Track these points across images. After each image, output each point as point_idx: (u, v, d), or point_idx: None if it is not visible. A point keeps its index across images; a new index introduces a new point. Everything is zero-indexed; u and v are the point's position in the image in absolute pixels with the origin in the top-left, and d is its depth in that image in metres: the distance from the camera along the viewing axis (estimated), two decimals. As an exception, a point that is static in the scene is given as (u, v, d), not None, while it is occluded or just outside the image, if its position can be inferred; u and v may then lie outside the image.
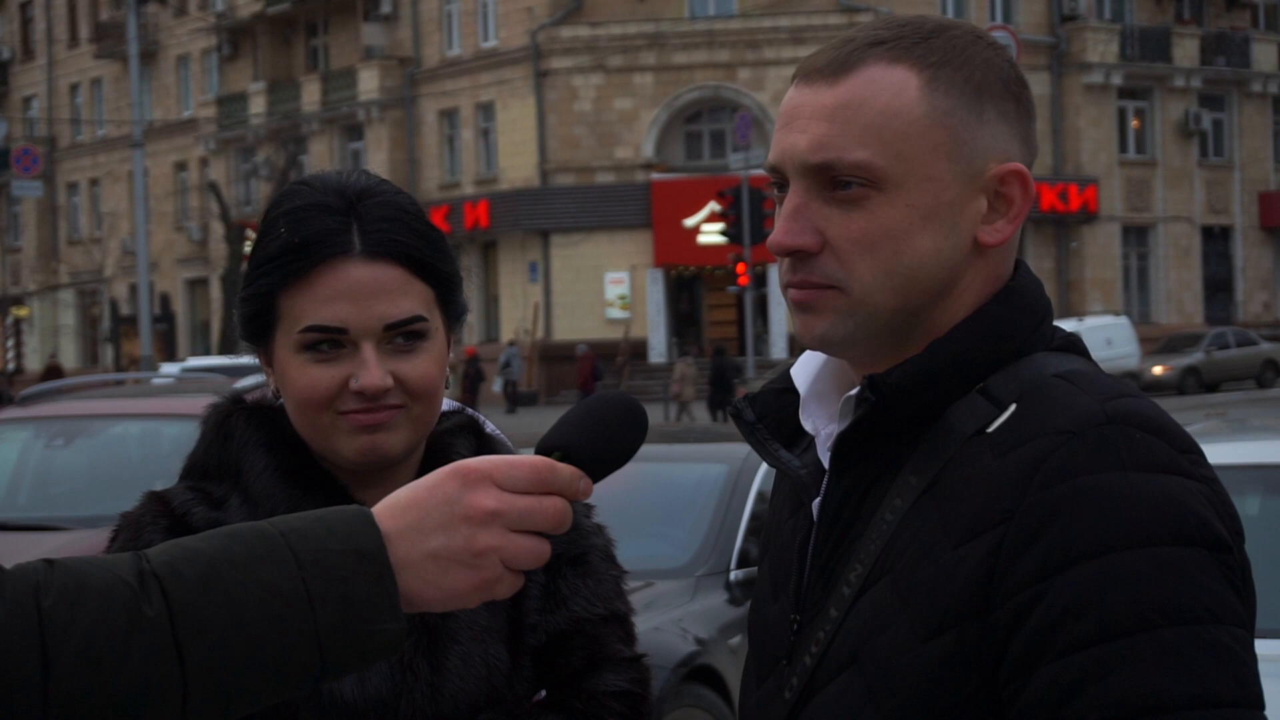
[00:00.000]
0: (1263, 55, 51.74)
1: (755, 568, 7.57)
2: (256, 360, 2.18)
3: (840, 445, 1.76)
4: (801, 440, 1.88)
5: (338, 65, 53.16)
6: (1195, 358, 41.45)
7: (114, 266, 59.90)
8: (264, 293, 2.10)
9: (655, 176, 44.98)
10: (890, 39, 1.75)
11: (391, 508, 1.52)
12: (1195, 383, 40.72)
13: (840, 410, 1.78)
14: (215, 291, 53.70)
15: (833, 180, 1.73)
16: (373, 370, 2.06)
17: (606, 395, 1.64)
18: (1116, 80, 48.86)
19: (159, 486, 2.23)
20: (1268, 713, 1.63)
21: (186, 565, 1.46)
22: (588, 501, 2.26)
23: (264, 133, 53.54)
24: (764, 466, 7.76)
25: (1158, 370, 40.59)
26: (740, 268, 34.83)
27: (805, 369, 1.87)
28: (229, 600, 1.44)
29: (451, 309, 2.17)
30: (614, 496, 2.37)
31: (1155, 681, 1.54)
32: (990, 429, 1.68)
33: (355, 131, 52.05)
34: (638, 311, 45.02)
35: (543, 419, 31.59)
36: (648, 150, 45.44)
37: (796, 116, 1.75)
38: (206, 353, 53.61)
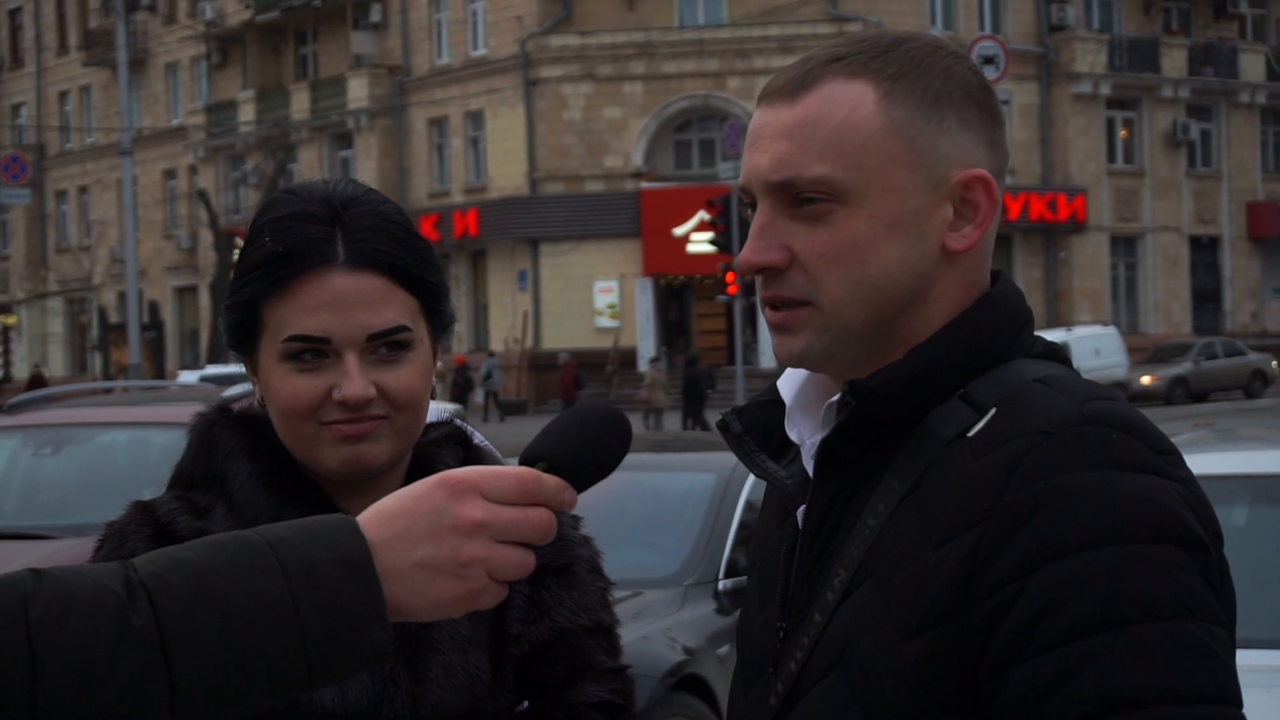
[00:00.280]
0: (1250, 66, 51.86)
1: (743, 577, 7.59)
2: None
3: (823, 451, 1.78)
4: (788, 452, 1.90)
5: (327, 73, 53.16)
6: (1183, 368, 41.50)
7: (103, 274, 59.84)
8: (248, 301, 2.09)
9: (644, 185, 45.01)
10: (848, 55, 1.77)
11: (378, 517, 1.52)
12: (1183, 393, 40.77)
13: (823, 417, 1.80)
14: (204, 299, 53.68)
15: (796, 197, 1.75)
16: (355, 380, 2.05)
17: (590, 406, 1.65)
18: (1105, 90, 48.95)
19: (147, 495, 2.23)
20: (1262, 722, 1.64)
21: (174, 575, 1.46)
22: (575, 513, 2.27)
23: (253, 141, 53.53)
24: (752, 476, 7.77)
25: (1146, 380, 40.64)
26: (730, 277, 34.84)
27: (791, 381, 1.89)
28: (216, 609, 1.44)
29: (437, 319, 2.16)
30: (602, 505, 2.36)
31: (1131, 677, 1.55)
32: (970, 433, 1.70)
33: (344, 140, 52.05)
34: (627, 320, 45.04)
35: (532, 427, 31.60)
36: (637, 159, 45.47)
37: (760, 137, 1.78)
38: (196, 361, 53.58)
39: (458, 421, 2.29)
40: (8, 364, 62.52)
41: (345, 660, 1.48)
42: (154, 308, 57.02)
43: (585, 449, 1.60)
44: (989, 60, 28.07)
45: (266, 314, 2.09)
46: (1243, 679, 1.67)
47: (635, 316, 45.10)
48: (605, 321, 45.14)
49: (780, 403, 1.89)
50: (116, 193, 54.47)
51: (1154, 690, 1.55)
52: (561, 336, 44.60)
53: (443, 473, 1.54)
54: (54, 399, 11.98)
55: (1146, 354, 43.22)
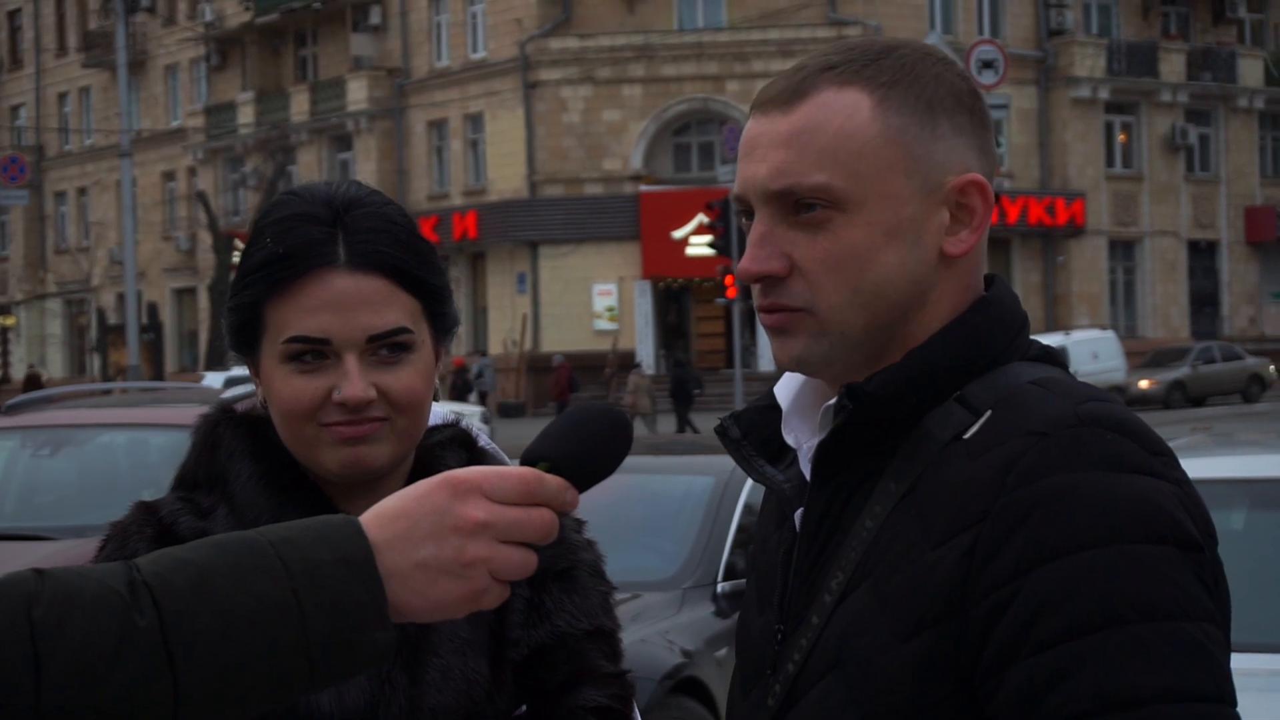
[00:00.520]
0: (1249, 70, 51.87)
1: (742, 580, 7.58)
2: None
3: (820, 455, 1.79)
4: (786, 456, 1.91)
5: (326, 75, 53.15)
6: (1181, 372, 41.51)
7: (101, 276, 59.82)
8: (250, 303, 2.09)
9: (644, 188, 45.01)
10: (840, 63, 1.79)
11: (380, 517, 1.52)
12: (1181, 397, 40.78)
13: (820, 420, 1.82)
14: (203, 301, 53.66)
15: (795, 205, 1.76)
16: (355, 382, 2.05)
17: (591, 406, 1.65)
18: (1103, 95, 48.96)
19: (147, 496, 2.23)
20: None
21: (177, 575, 1.46)
22: (578, 516, 2.25)
23: (252, 143, 53.52)
24: (751, 479, 7.77)
25: (1144, 384, 40.64)
26: (728, 280, 34.85)
27: (788, 387, 1.90)
28: (219, 610, 1.45)
29: (440, 321, 2.16)
30: (601, 508, 2.36)
31: (1127, 676, 1.56)
32: (966, 435, 1.71)
33: (344, 142, 52.04)
34: (626, 323, 45.03)
35: (530, 429, 31.59)
36: (636, 162, 45.47)
37: (756, 146, 1.79)
38: (194, 363, 53.56)
39: (463, 423, 2.28)
40: (6, 365, 62.49)
41: (348, 661, 1.48)
42: (153, 309, 56.99)
43: (586, 449, 1.60)
44: (988, 64, 28.06)
45: (268, 315, 2.09)
46: (1241, 683, 1.68)
47: (634, 319, 45.09)
48: (604, 324, 45.13)
49: (777, 407, 1.90)
50: (115, 194, 54.45)
51: (1150, 689, 1.56)
52: (560, 339, 44.59)
53: (445, 473, 1.54)
54: (53, 400, 11.98)
55: (1144, 358, 43.22)
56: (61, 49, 63.60)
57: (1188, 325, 50.26)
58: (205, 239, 50.98)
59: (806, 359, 1.79)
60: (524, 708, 2.20)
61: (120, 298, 51.99)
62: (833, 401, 1.78)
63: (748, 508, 8.17)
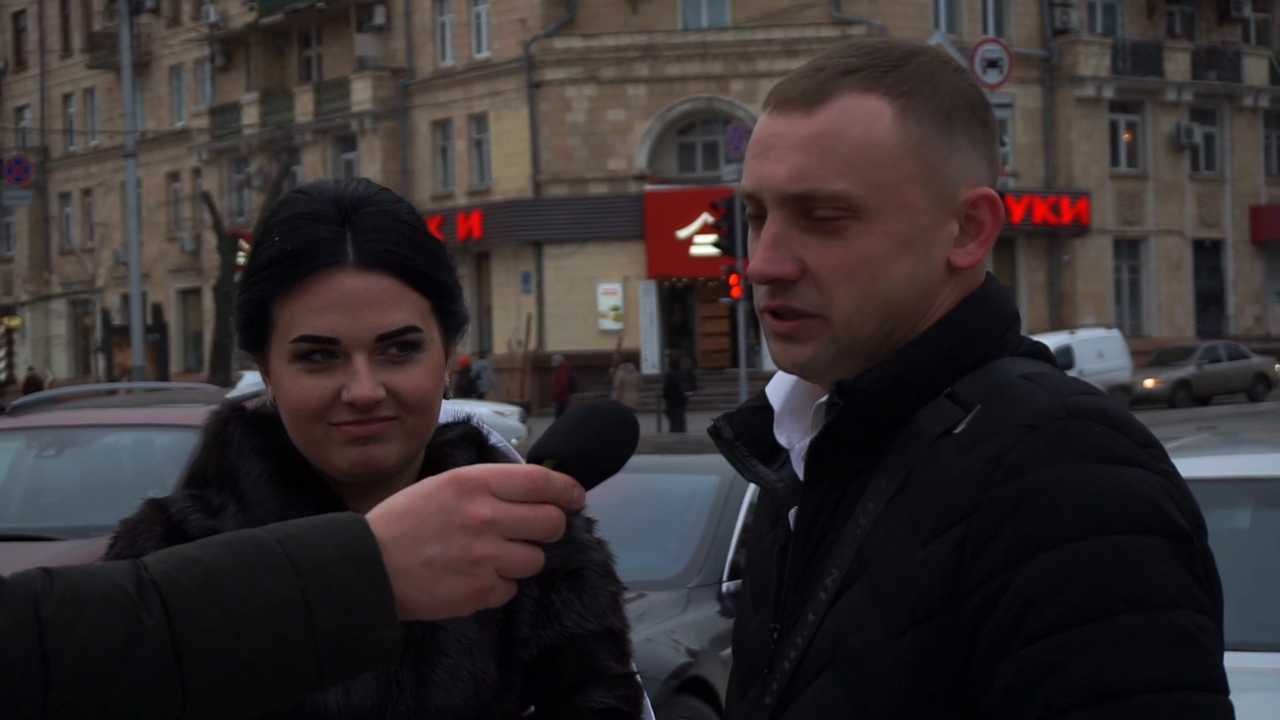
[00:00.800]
0: (1254, 69, 51.83)
1: (747, 579, 7.56)
2: None
3: (813, 453, 1.80)
4: (779, 456, 1.92)
5: (331, 76, 53.16)
6: (1187, 371, 41.48)
7: (106, 277, 59.85)
8: (258, 300, 2.09)
9: (648, 188, 45.00)
10: (861, 67, 1.78)
11: (387, 515, 1.53)
12: (1186, 396, 40.76)
13: (812, 419, 1.82)
14: (208, 302, 53.65)
15: (810, 209, 1.76)
16: (364, 381, 2.04)
17: (597, 403, 1.66)
18: (1108, 94, 48.93)
19: (153, 495, 2.23)
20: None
21: (184, 573, 1.46)
22: (589, 516, 2.26)
23: (257, 143, 53.53)
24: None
25: (1149, 383, 40.62)
26: (733, 279, 34.81)
27: (779, 387, 1.91)
28: (227, 608, 1.45)
29: (450, 319, 2.15)
30: (606, 507, 2.36)
31: (1117, 667, 1.57)
32: (956, 430, 1.72)
33: (348, 142, 52.05)
34: (630, 323, 45.02)
35: (536, 429, 31.57)
36: (640, 161, 45.46)
37: (773, 146, 1.78)
38: (199, 364, 53.57)
39: (474, 421, 2.27)
40: (10, 366, 62.52)
41: (355, 659, 1.48)
42: (157, 310, 57.00)
43: (593, 446, 1.61)
44: (993, 63, 28.04)
45: (276, 314, 2.08)
46: (1247, 681, 1.69)
47: (639, 319, 45.08)
48: (609, 324, 45.12)
49: (770, 408, 1.90)
50: (120, 195, 54.52)
51: (1140, 680, 1.57)
52: (565, 339, 44.59)
53: (452, 470, 1.54)
54: (58, 401, 11.99)
55: (1150, 357, 43.20)
56: (66, 50, 63.62)
57: (1193, 324, 50.23)
58: (210, 240, 50.96)
59: (812, 364, 1.79)
60: (532, 708, 2.19)
61: (125, 298, 52.03)
62: (824, 399, 1.79)
63: (753, 507, 8.15)
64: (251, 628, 1.45)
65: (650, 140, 45.53)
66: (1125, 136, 49.97)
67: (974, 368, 1.77)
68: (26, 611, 1.42)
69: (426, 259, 2.11)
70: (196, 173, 56.94)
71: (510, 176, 46.82)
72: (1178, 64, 50.21)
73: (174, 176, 58.71)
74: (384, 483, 2.10)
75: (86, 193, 62.71)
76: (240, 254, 44.72)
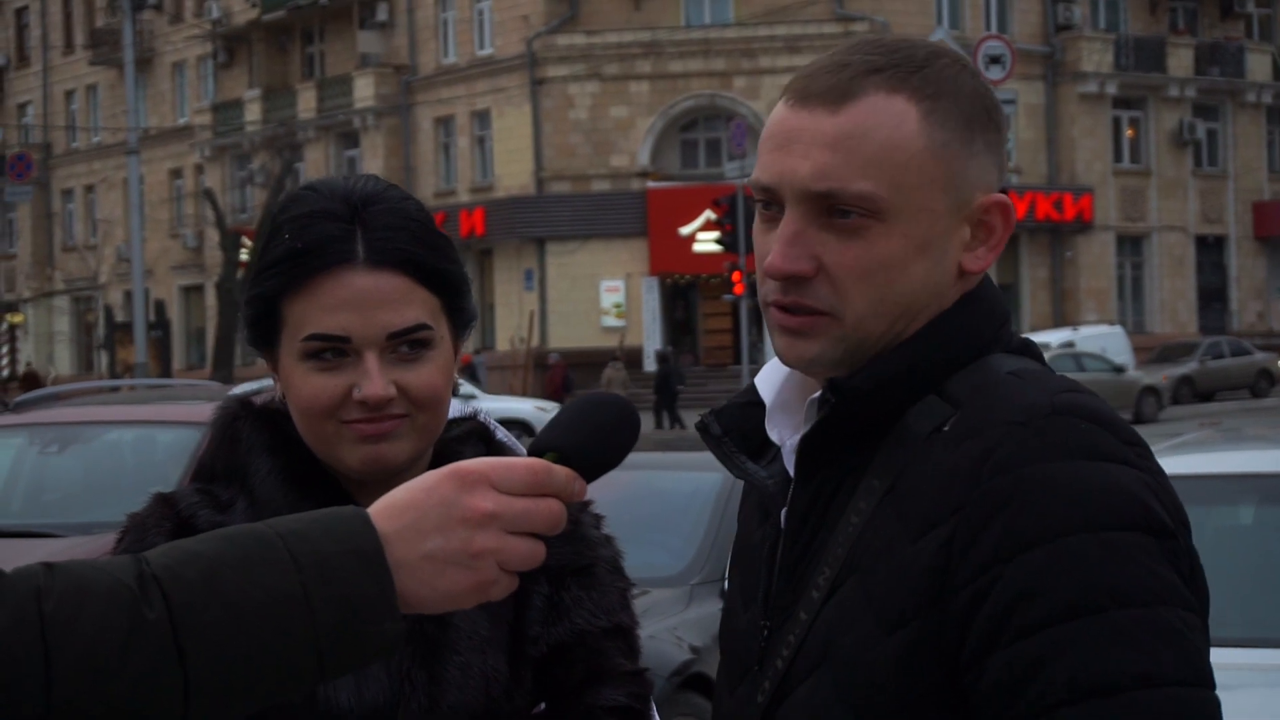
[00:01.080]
0: (1256, 65, 51.80)
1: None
2: None
3: (804, 449, 1.80)
4: (768, 452, 1.91)
5: (333, 73, 53.16)
6: (1189, 367, 41.45)
7: (109, 273, 59.87)
8: (268, 296, 2.09)
9: (651, 185, 44.99)
10: (887, 67, 1.77)
11: (389, 509, 1.53)
12: (1189, 392, 40.73)
13: (805, 415, 1.82)
14: (210, 299, 53.65)
15: (830, 208, 1.75)
16: (375, 380, 2.05)
17: (598, 396, 1.66)
18: (1111, 90, 48.91)
19: (157, 491, 2.23)
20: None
21: (186, 568, 1.46)
22: (597, 512, 2.27)
23: (259, 140, 53.53)
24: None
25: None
26: (736, 276, 34.85)
27: (769, 381, 1.90)
28: (229, 602, 1.45)
29: (458, 316, 2.15)
30: (609, 505, 2.36)
31: (1104, 663, 1.57)
32: (945, 427, 1.72)
33: (351, 139, 52.05)
34: (633, 320, 45.02)
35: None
36: (643, 158, 45.45)
37: (795, 140, 1.77)
38: (201, 361, 53.57)
39: (480, 417, 2.28)
40: (13, 363, 62.55)
41: (356, 653, 1.49)
42: (160, 307, 56.99)
43: (594, 439, 1.61)
44: (995, 60, 28.01)
45: (286, 311, 2.08)
46: (1249, 677, 1.69)
47: (641, 316, 45.08)
48: (611, 321, 45.11)
49: (759, 403, 1.90)
50: (123, 192, 54.53)
51: (1127, 675, 1.58)
52: (567, 336, 44.59)
53: (453, 464, 1.55)
54: (60, 397, 11.99)
55: (1153, 353, 43.17)
56: (68, 46, 63.62)
57: (1196, 320, 50.22)
58: (212, 236, 50.94)
59: (819, 361, 1.79)
60: (542, 705, 2.20)
61: (128, 295, 52.04)
62: (817, 395, 1.79)
63: (755, 504, 8.17)
64: (253, 622, 1.45)
65: (653, 137, 45.52)
66: (1128, 132, 49.94)
67: (965, 365, 1.77)
68: (28, 606, 1.42)
69: (436, 256, 2.11)
70: (199, 169, 56.95)
71: (513, 173, 46.82)
72: (1180, 60, 50.18)
73: (176, 173, 58.72)
74: (394, 480, 2.08)
75: (89, 189, 62.72)
76: (243, 251, 44.75)
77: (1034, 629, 1.60)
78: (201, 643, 1.44)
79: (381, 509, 1.53)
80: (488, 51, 48.18)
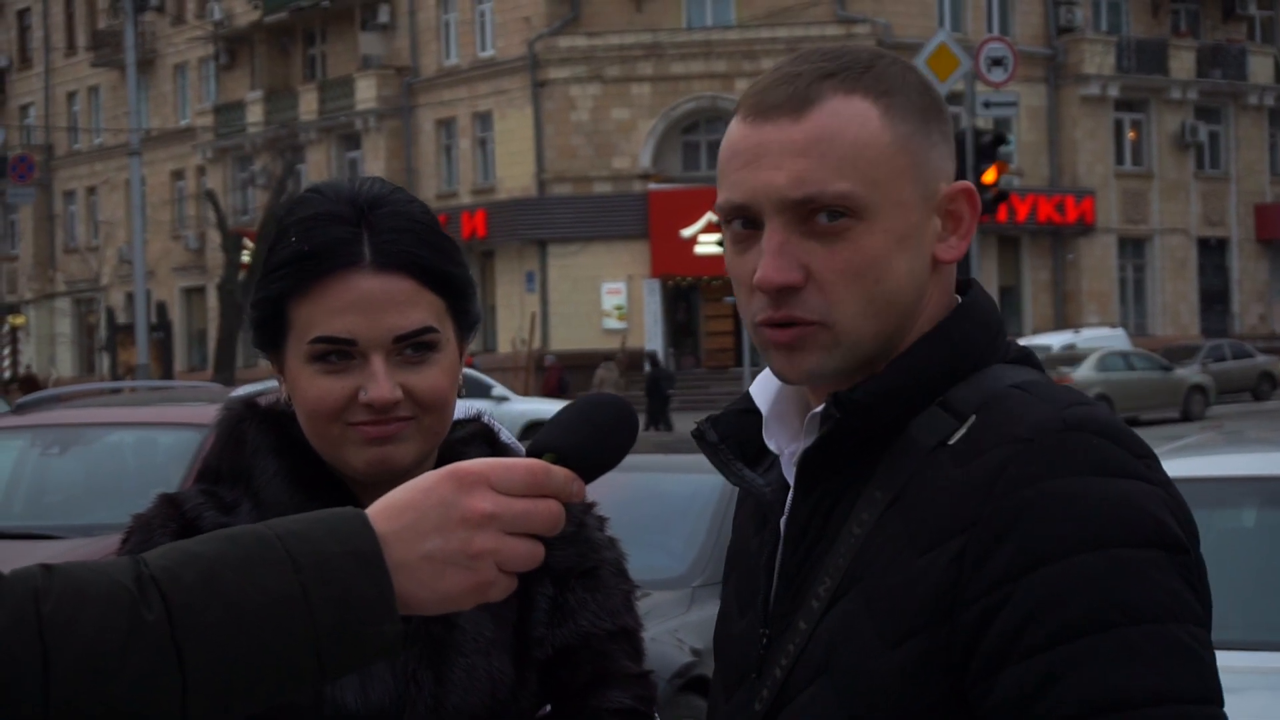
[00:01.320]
0: (1259, 68, 51.81)
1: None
2: None
3: (805, 462, 1.80)
4: (764, 460, 1.92)
5: (335, 74, 53.18)
6: (1191, 370, 41.45)
7: (111, 275, 59.89)
8: (274, 298, 2.10)
9: (652, 187, 45.01)
10: (838, 71, 1.79)
11: (387, 510, 1.53)
12: (1191, 394, 40.69)
13: (805, 427, 1.82)
14: (212, 300, 53.67)
15: (810, 214, 1.75)
16: (382, 383, 2.06)
17: (597, 397, 1.66)
18: (1113, 92, 48.93)
19: (153, 495, 2.23)
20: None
21: (185, 569, 1.46)
22: (601, 513, 2.28)
23: (261, 142, 53.55)
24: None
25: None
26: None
27: (765, 390, 1.90)
28: (227, 603, 1.45)
29: (464, 319, 2.16)
30: (610, 507, 2.37)
31: (1117, 679, 1.57)
32: (951, 441, 1.73)
33: (353, 141, 52.07)
34: (635, 322, 45.04)
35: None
36: (645, 160, 45.47)
37: (764, 153, 1.77)
38: (203, 362, 53.57)
39: (484, 419, 2.29)
40: (15, 365, 62.57)
41: (356, 654, 1.49)
42: (162, 308, 57.02)
43: (593, 440, 1.61)
44: (997, 62, 27.98)
45: (292, 313, 2.09)
46: (1251, 681, 1.69)
47: (643, 318, 45.10)
48: (613, 323, 45.13)
49: (755, 411, 1.90)
50: (124, 193, 54.55)
51: (1140, 692, 1.58)
52: (569, 338, 44.61)
53: (452, 465, 1.55)
54: (62, 399, 11.99)
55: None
56: (70, 48, 63.66)
57: (1198, 323, 50.22)
58: (214, 238, 50.95)
59: (819, 374, 1.78)
60: (548, 707, 2.21)
61: (129, 297, 52.04)
62: (819, 410, 1.79)
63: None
64: (252, 623, 1.45)
65: (654, 139, 45.54)
66: (1130, 135, 49.96)
67: (965, 376, 1.78)
68: (27, 608, 1.42)
69: (442, 259, 2.12)
70: (201, 171, 56.99)
71: (514, 175, 46.84)
72: (1183, 62, 50.19)
73: (178, 175, 58.75)
74: (399, 481, 2.08)
75: (91, 191, 62.75)
76: (245, 252, 44.75)
77: (1046, 645, 1.60)
78: (200, 644, 1.44)
79: (380, 510, 1.53)
80: (489, 53, 48.21)
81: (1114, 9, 51.11)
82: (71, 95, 64.12)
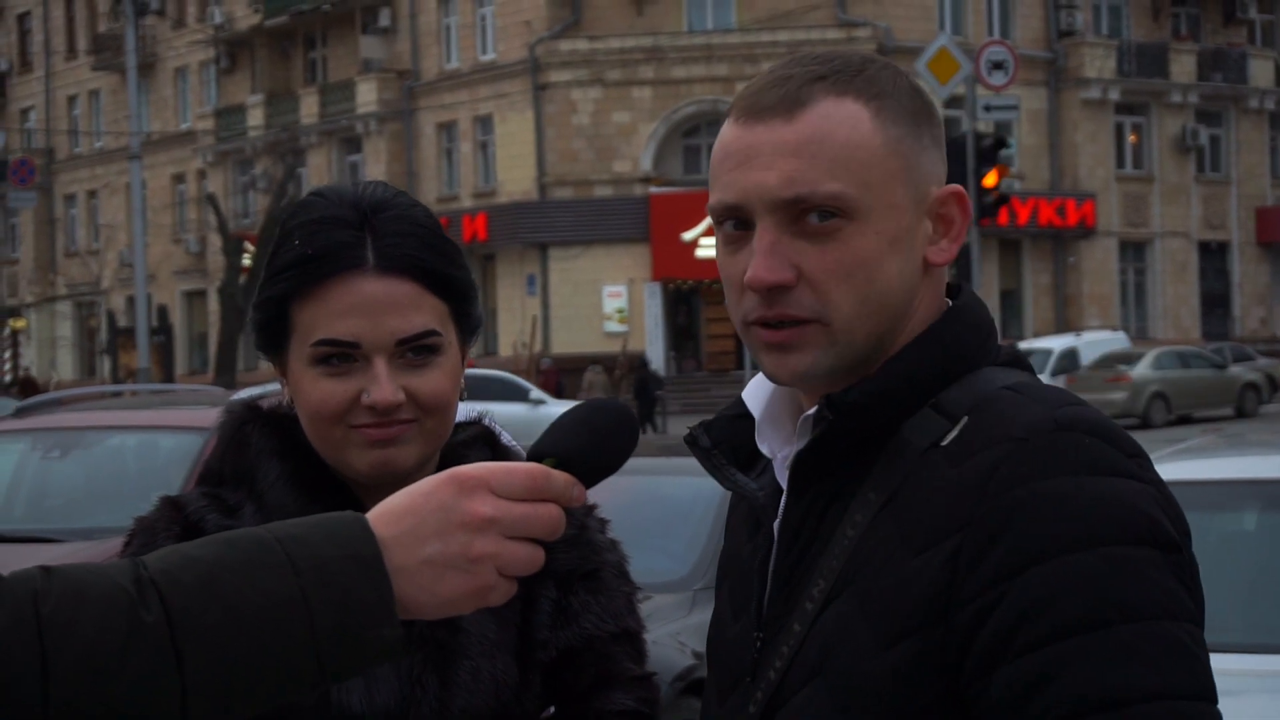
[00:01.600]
0: (1259, 71, 51.81)
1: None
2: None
3: (798, 464, 1.81)
4: (757, 464, 1.92)
5: (336, 78, 53.20)
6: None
7: (111, 279, 59.90)
8: (277, 299, 2.11)
9: (653, 190, 45.02)
10: (829, 74, 1.80)
11: (387, 514, 1.53)
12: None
13: (798, 430, 1.83)
14: (213, 304, 53.68)
15: (801, 214, 1.77)
16: (384, 386, 2.06)
17: (597, 402, 1.66)
18: (1114, 96, 48.93)
19: (155, 498, 2.23)
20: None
21: (184, 572, 1.46)
22: (602, 516, 2.29)
23: (262, 145, 53.57)
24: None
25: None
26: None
27: (757, 395, 1.91)
28: (227, 606, 1.45)
29: (466, 322, 2.17)
30: (611, 509, 2.37)
31: (1112, 677, 1.58)
32: (944, 442, 1.73)
33: (353, 144, 52.09)
34: (636, 325, 45.04)
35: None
36: (646, 164, 45.48)
37: (756, 154, 1.79)
38: (204, 366, 53.56)
39: (486, 421, 2.30)
40: (16, 368, 62.58)
41: (355, 657, 1.49)
42: (163, 312, 57.05)
43: (593, 444, 1.61)
44: (998, 65, 27.98)
45: (295, 316, 2.10)
46: (1250, 683, 1.69)
47: (644, 321, 45.10)
48: (614, 326, 45.14)
49: (747, 416, 1.91)
50: (125, 197, 54.57)
51: (1136, 689, 1.58)
52: (570, 341, 44.61)
53: (452, 469, 1.55)
54: (63, 402, 11.99)
55: (1155, 359, 43.14)
56: (71, 52, 63.68)
57: (1198, 326, 50.21)
58: (215, 241, 50.99)
59: (811, 374, 1.79)
60: (551, 709, 2.22)
61: (130, 300, 52.02)
62: (811, 412, 1.79)
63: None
64: (251, 626, 1.45)
65: (655, 142, 45.55)
66: (1131, 138, 49.96)
67: (957, 378, 1.79)
68: (26, 609, 1.42)
69: (445, 262, 2.13)
70: (201, 175, 57.00)
71: (515, 179, 46.85)
72: (1183, 66, 50.19)
73: (179, 178, 58.77)
74: (402, 484, 2.10)
75: (91, 194, 62.77)
76: (245, 256, 44.77)
77: (1040, 644, 1.60)
78: (199, 646, 1.44)
79: (380, 514, 1.53)
80: (490, 57, 48.22)
81: (1114, 12, 51.12)
82: (72, 99, 64.13)
